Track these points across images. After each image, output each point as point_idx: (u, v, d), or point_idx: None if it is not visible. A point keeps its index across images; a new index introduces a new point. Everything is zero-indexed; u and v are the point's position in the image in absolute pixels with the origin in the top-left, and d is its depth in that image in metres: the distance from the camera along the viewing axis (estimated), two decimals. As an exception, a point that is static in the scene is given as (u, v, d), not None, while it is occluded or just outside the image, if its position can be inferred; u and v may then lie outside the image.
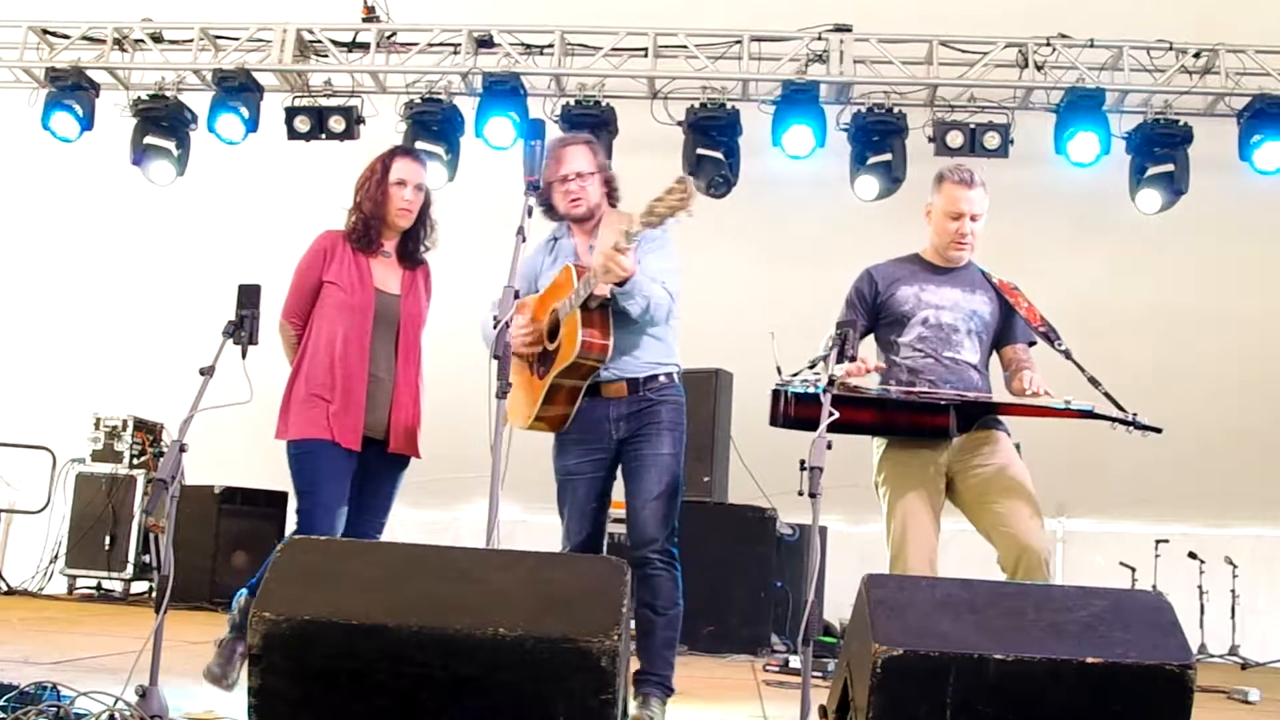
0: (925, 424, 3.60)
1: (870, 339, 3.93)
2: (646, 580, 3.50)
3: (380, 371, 3.83)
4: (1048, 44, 6.48)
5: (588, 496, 3.65)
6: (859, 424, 3.57)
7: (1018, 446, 3.76)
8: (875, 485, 3.81)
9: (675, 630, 3.61)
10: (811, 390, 3.48)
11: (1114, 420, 3.46)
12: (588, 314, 3.49)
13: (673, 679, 3.62)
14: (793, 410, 3.60)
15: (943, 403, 3.56)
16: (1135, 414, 3.47)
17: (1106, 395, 3.54)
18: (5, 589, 7.65)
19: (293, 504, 3.71)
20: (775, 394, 3.66)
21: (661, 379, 3.64)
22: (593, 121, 6.48)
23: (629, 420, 3.60)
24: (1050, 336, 3.71)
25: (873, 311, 3.86)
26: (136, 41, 7.01)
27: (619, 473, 3.69)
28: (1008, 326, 3.85)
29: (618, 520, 3.74)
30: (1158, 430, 3.46)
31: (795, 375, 3.66)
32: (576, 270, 3.55)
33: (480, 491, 3.20)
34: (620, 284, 3.38)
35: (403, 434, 3.86)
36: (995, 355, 3.93)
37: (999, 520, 3.60)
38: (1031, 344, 3.86)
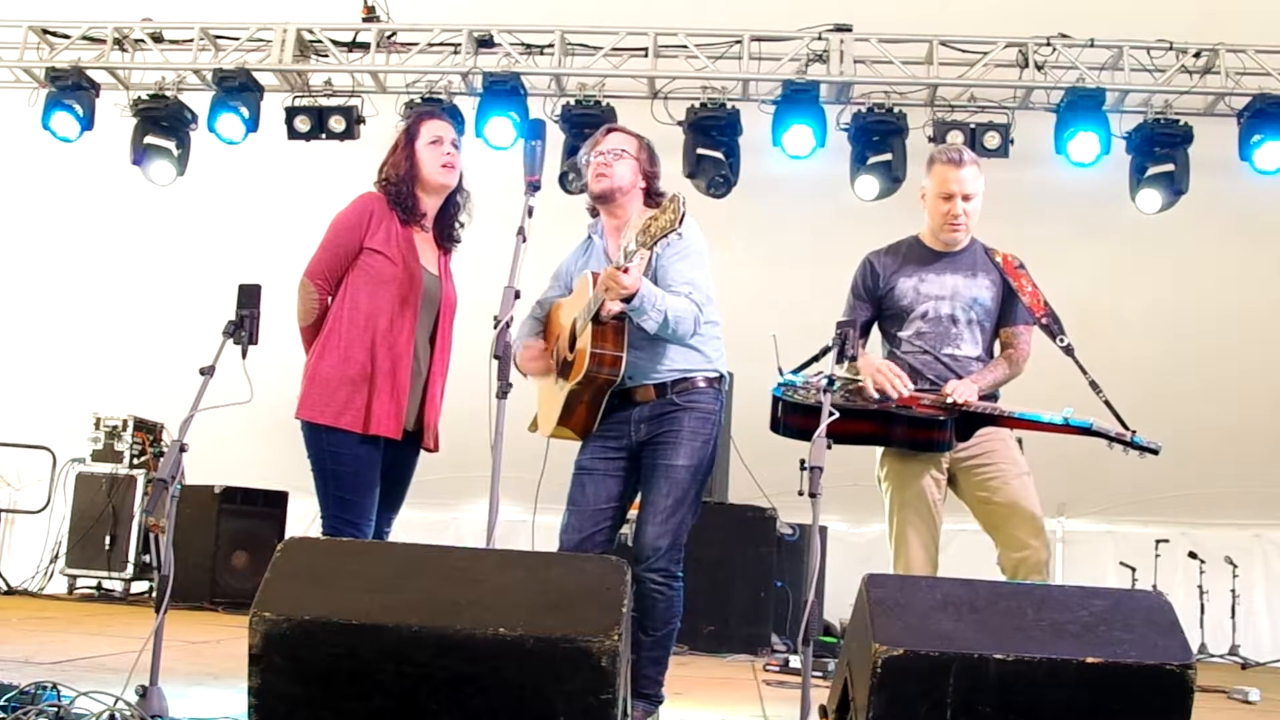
0: (922, 437, 3.61)
1: (875, 328, 3.91)
2: (640, 598, 3.31)
3: (419, 357, 3.63)
4: (1048, 44, 6.47)
5: (595, 495, 3.51)
6: (857, 434, 3.58)
7: (1020, 442, 3.75)
8: (878, 480, 3.81)
9: (666, 649, 3.51)
10: (812, 401, 3.48)
11: (1112, 439, 3.45)
12: (600, 328, 3.36)
13: (662, 690, 3.54)
14: (792, 420, 3.61)
15: (941, 418, 3.56)
16: (1134, 431, 3.45)
17: (1106, 403, 3.53)
18: (5, 589, 7.66)
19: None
20: (775, 401, 3.66)
21: (695, 382, 3.49)
22: (593, 121, 6.47)
23: (649, 423, 3.48)
24: (1052, 330, 3.65)
25: (876, 302, 3.86)
26: (136, 41, 7.00)
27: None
28: (1007, 308, 3.79)
29: (629, 521, 3.63)
30: (1154, 451, 3.44)
31: (797, 372, 3.66)
32: (592, 279, 3.41)
33: (480, 491, 3.18)
34: (627, 301, 3.24)
35: (434, 429, 3.70)
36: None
37: (999, 520, 3.62)
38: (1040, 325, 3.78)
